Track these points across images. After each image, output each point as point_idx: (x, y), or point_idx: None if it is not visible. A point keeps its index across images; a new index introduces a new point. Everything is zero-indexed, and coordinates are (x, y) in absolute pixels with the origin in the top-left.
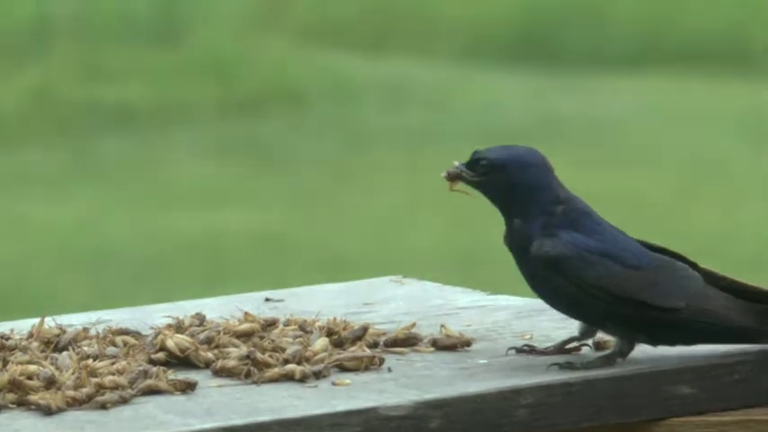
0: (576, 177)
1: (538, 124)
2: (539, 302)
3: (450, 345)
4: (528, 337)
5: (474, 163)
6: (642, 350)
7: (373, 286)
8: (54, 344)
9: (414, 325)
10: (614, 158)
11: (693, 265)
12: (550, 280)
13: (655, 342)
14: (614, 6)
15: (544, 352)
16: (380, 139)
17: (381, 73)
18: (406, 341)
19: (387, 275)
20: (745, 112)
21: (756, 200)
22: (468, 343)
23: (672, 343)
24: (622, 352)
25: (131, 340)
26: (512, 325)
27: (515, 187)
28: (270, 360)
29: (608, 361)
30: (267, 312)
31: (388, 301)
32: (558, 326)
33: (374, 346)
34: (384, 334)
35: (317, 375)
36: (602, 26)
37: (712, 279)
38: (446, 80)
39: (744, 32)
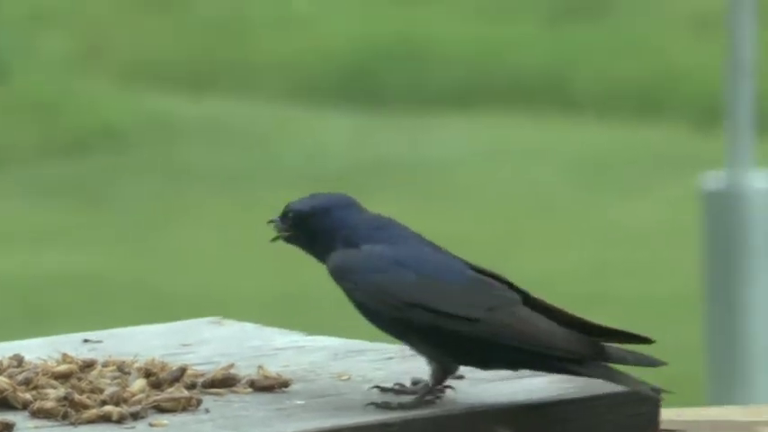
0: (402, 218)
1: (363, 164)
2: (357, 343)
3: (268, 385)
4: (346, 377)
5: (285, 216)
6: (463, 390)
7: (192, 327)
8: None
9: (232, 366)
10: (442, 198)
11: (523, 293)
12: (345, 289)
13: (463, 361)
14: (438, 46)
15: (415, 391)
16: (204, 179)
17: (205, 113)
18: (224, 382)
19: (207, 316)
20: (571, 151)
21: (583, 238)
22: (285, 384)
23: (480, 363)
24: (437, 380)
25: None
26: (330, 365)
27: (318, 234)
28: (87, 401)
29: (421, 399)
30: (86, 353)
31: (206, 342)
32: (376, 366)
33: (192, 387)
34: (202, 375)
35: (135, 416)
36: (427, 66)
37: (544, 309)
38: (270, 120)
39: (567, 72)
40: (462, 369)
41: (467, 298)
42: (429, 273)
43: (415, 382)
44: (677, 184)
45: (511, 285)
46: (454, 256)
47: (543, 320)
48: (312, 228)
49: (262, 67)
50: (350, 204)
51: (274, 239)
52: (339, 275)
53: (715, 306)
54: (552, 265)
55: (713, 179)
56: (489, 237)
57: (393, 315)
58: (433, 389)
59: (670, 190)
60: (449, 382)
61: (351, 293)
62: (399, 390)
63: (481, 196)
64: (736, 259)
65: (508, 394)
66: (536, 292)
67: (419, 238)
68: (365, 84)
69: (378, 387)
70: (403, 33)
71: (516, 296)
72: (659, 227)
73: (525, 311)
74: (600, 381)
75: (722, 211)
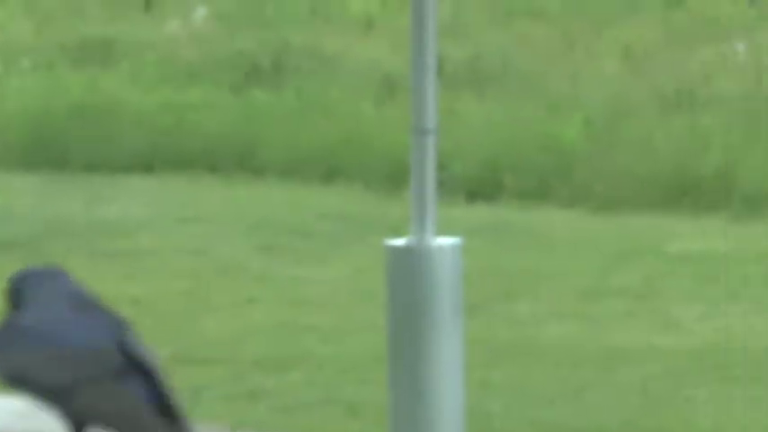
0: (86, 281)
1: (48, 227)
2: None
3: None
4: None
5: None
6: None
7: None
8: None
9: None
10: (125, 260)
11: (147, 370)
12: None
13: (78, 427)
14: (123, 111)
15: None
16: None
17: None
18: None
19: None
20: (257, 215)
21: (269, 300)
22: None
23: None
24: None
25: None
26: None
27: (11, 302)
28: None
29: None
30: None
31: None
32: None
33: None
34: None
35: None
36: (112, 130)
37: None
38: None
39: (253, 136)
40: None
41: (69, 367)
42: (53, 342)
43: None
44: (364, 247)
45: (134, 358)
46: (106, 321)
47: (132, 401)
48: (10, 297)
49: None
50: (44, 276)
51: None
52: None
53: (399, 365)
54: (239, 327)
55: (398, 242)
56: (173, 299)
57: (13, 387)
58: None
59: (357, 253)
60: None
61: None
62: None
63: (165, 259)
64: (420, 320)
65: None
66: (215, 358)
67: (80, 303)
68: (50, 147)
69: None
70: (88, 98)
71: (116, 369)
72: (347, 289)
73: (112, 389)
74: None
75: (407, 273)
